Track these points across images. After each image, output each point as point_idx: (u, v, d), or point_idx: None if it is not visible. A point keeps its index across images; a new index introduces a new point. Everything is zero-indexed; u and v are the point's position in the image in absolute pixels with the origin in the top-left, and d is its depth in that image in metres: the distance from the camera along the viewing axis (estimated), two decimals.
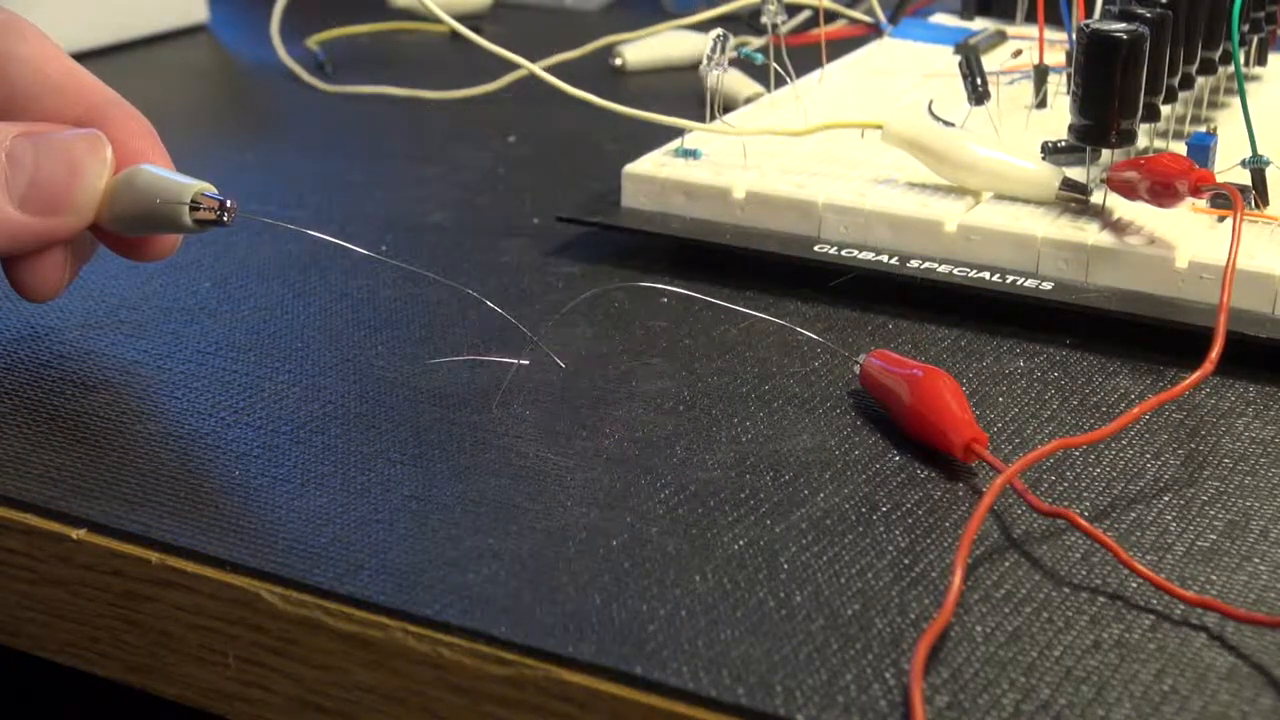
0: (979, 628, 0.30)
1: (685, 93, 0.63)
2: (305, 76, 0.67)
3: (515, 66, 0.53)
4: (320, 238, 0.39)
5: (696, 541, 0.32)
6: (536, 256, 0.47)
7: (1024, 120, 0.51)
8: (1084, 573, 0.31)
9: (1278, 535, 0.33)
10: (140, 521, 0.33)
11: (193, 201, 0.36)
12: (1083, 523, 0.32)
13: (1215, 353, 0.36)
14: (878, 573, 0.31)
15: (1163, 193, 0.41)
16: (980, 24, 0.64)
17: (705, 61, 0.49)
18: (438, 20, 0.54)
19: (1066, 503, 0.34)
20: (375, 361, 0.40)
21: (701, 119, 0.50)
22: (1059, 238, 0.42)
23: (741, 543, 0.32)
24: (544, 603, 0.30)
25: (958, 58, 0.52)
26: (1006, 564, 0.32)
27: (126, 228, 0.38)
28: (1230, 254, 0.38)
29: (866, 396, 0.38)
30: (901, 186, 0.46)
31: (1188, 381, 0.36)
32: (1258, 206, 0.43)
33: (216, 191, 0.37)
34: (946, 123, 0.50)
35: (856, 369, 0.38)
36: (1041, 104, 0.52)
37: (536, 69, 0.52)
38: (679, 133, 0.49)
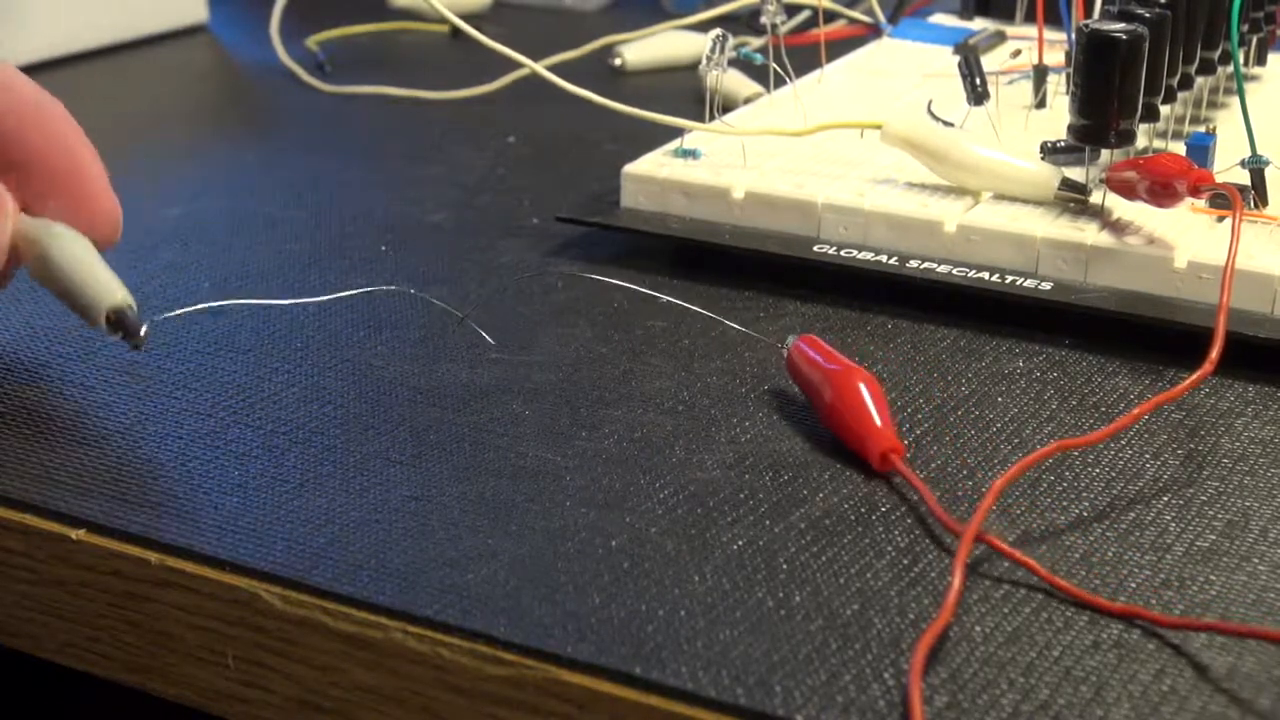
0: (978, 628, 0.30)
1: (685, 93, 0.63)
2: (305, 76, 0.67)
3: (515, 66, 0.53)
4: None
5: (695, 541, 0.32)
6: (536, 257, 0.47)
7: (1023, 120, 0.51)
8: (1083, 573, 0.31)
9: (1277, 535, 0.33)
10: (140, 521, 0.33)
11: (107, 317, 0.35)
12: (1003, 546, 0.31)
13: (1215, 353, 0.36)
14: (877, 573, 0.31)
15: (1162, 193, 0.41)
16: (980, 24, 0.64)
17: (705, 61, 0.49)
18: (439, 19, 0.54)
19: (1066, 502, 0.34)
20: (375, 362, 0.40)
21: (701, 119, 0.50)
22: (1058, 238, 0.42)
23: (740, 543, 0.32)
24: (543, 603, 0.30)
25: (957, 58, 0.52)
26: (1006, 564, 0.32)
27: (42, 283, 0.37)
28: (1230, 254, 0.38)
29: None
30: (901, 186, 0.46)
31: (1187, 382, 0.36)
32: (1257, 206, 0.43)
33: (134, 305, 0.35)
34: (946, 123, 0.50)
35: (784, 353, 0.38)
36: (1041, 104, 0.52)
37: (538, 67, 0.52)
38: (679, 133, 0.49)
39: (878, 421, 0.35)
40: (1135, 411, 0.35)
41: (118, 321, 0.35)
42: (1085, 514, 0.33)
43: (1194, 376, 0.36)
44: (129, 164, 0.58)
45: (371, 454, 0.36)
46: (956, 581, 0.30)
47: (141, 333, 0.35)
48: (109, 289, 0.35)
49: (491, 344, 0.39)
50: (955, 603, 0.30)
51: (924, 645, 0.28)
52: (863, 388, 0.35)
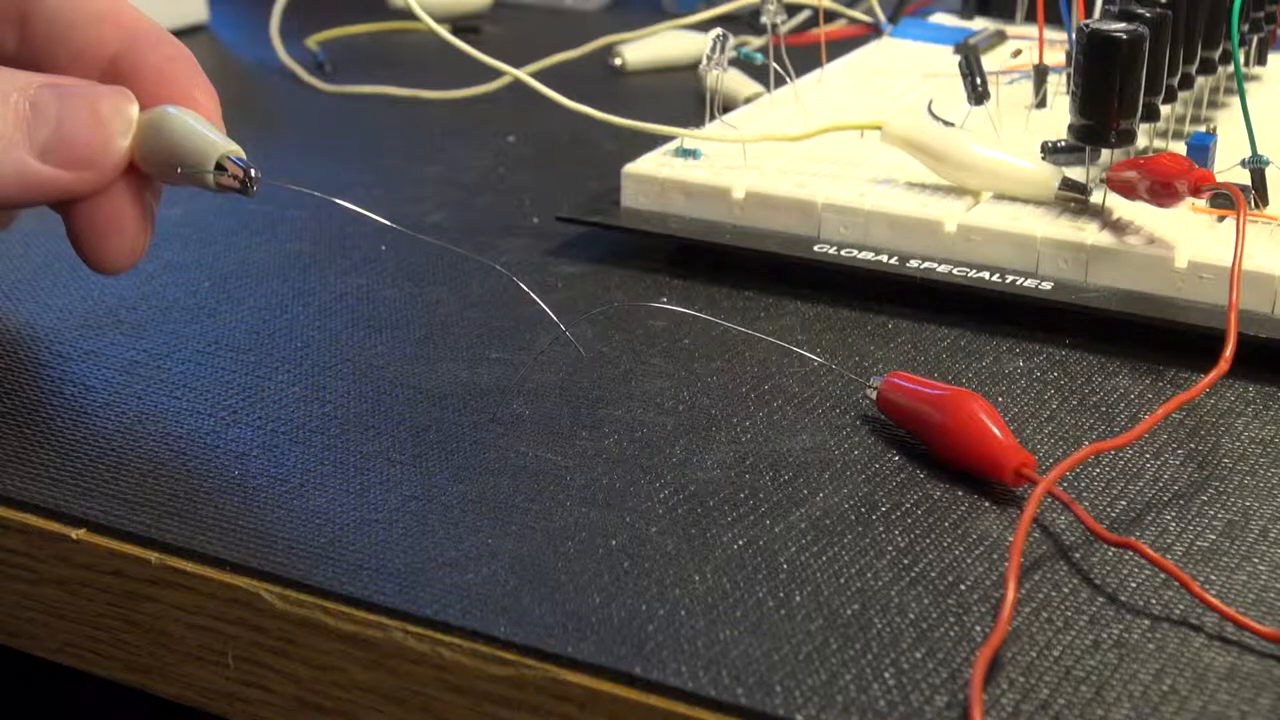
0: (978, 628, 0.30)
1: (685, 92, 0.63)
2: (305, 76, 0.67)
3: (514, 66, 0.53)
4: (344, 205, 0.39)
5: (696, 541, 0.32)
6: (536, 256, 0.47)
7: (1024, 120, 0.51)
8: (1083, 572, 0.31)
9: (1277, 535, 0.33)
10: (140, 521, 0.33)
11: (218, 165, 0.35)
12: (1150, 552, 0.31)
13: (1229, 350, 0.36)
14: (877, 573, 0.31)
15: (1162, 192, 0.41)
16: (980, 24, 0.64)
17: (705, 61, 0.49)
18: (440, 19, 0.54)
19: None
20: (375, 361, 0.40)
21: (701, 119, 0.50)
22: (1058, 238, 0.42)
23: (741, 543, 0.32)
24: (543, 602, 0.30)
25: (957, 58, 0.52)
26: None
27: (156, 173, 0.37)
28: (1237, 252, 0.38)
29: (864, 398, 0.38)
30: (901, 186, 0.46)
31: (1205, 380, 0.35)
32: (1257, 206, 0.43)
33: (244, 156, 0.36)
34: (946, 123, 0.50)
35: (872, 394, 0.37)
36: (1041, 104, 0.52)
37: (523, 75, 0.52)
38: None
39: (1003, 438, 0.34)
40: (1159, 412, 0.35)
41: (231, 172, 0.36)
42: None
43: (1211, 375, 0.35)
44: None
45: (371, 454, 0.36)
46: (1010, 594, 0.29)
47: (253, 174, 0.35)
48: (215, 140, 0.36)
49: (583, 354, 0.40)
50: (1010, 616, 0.29)
51: (984, 658, 0.28)
52: (978, 409, 0.35)
